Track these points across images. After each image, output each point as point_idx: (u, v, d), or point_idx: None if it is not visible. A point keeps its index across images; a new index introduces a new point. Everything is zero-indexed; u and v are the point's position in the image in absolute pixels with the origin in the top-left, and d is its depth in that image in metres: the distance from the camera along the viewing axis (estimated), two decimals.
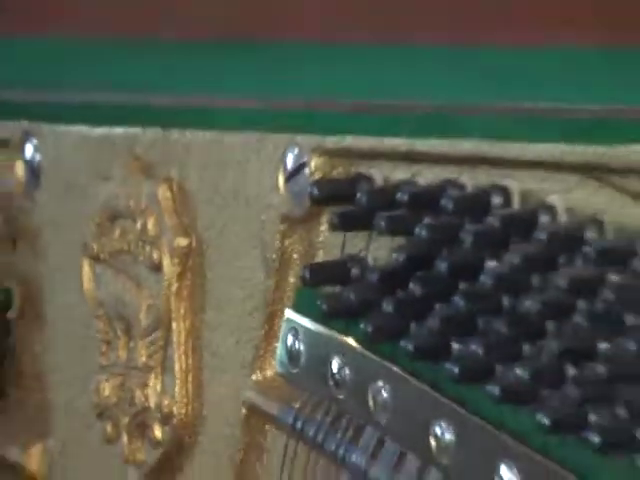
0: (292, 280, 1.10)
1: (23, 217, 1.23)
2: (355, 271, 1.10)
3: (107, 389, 1.16)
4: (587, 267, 1.00)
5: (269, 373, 1.09)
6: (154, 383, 1.15)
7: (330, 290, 1.14)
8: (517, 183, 1.07)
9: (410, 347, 1.10)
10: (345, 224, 1.14)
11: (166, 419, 1.13)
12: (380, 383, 1.13)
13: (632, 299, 1.00)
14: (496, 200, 1.02)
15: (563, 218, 1.01)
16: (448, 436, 1.12)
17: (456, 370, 1.07)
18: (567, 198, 1.03)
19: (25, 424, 1.31)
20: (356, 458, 1.12)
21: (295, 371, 1.09)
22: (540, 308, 1.02)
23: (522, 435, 1.15)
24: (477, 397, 1.07)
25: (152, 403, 1.14)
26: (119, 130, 1.20)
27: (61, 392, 1.23)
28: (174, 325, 1.13)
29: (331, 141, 1.20)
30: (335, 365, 1.09)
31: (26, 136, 1.22)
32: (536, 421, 1.10)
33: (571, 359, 1.10)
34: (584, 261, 1.00)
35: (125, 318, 1.17)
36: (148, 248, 1.15)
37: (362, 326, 1.13)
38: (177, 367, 1.14)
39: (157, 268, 1.15)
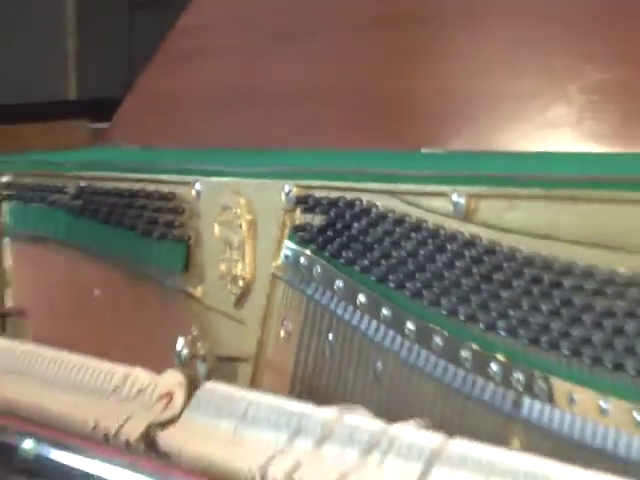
0: (287, 232, 1.06)
1: (195, 211, 1.15)
2: (309, 227, 1.03)
3: (223, 268, 1.13)
4: (402, 233, 0.94)
5: (279, 263, 1.05)
6: (240, 266, 1.13)
7: (300, 233, 1.05)
8: (380, 201, 0.95)
9: (328, 254, 0.99)
10: (306, 212, 1.07)
11: (244, 279, 1.11)
12: (318, 265, 0.99)
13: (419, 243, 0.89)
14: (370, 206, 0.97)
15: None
16: (341, 284, 0.95)
17: (342, 260, 1.02)
18: (386, 202, 0.92)
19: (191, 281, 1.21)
20: (309, 291, 1.01)
21: (287, 262, 1.05)
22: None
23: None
24: (351, 272, 0.98)
25: (239, 273, 1.12)
26: (225, 179, 1.15)
27: (209, 271, 1.14)
28: (246, 247, 1.11)
29: (302, 182, 1.06)
30: (302, 260, 1.02)
31: (195, 181, 1.15)
32: None
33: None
34: (392, 226, 0.93)
35: (230, 245, 1.14)
36: (237, 220, 1.12)
37: (311, 246, 1.01)
38: (247, 260, 1.11)
39: (240, 227, 1.12)
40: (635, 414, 0.69)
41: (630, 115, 0.97)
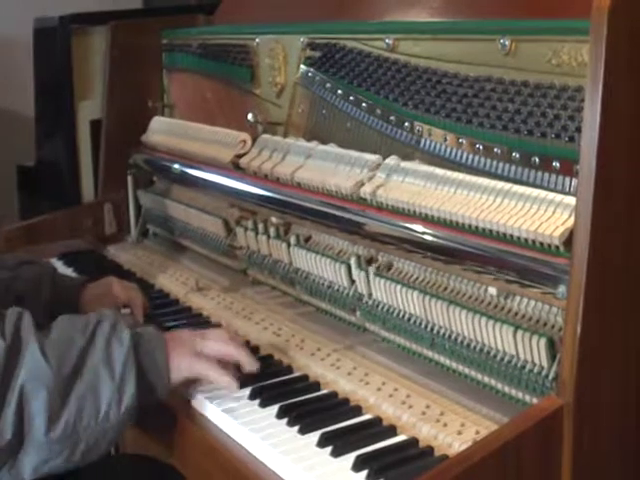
0: (302, 60, 1.11)
1: (256, 51, 1.20)
2: (312, 58, 1.09)
3: (270, 79, 1.16)
4: None
5: (298, 75, 1.11)
6: (278, 78, 1.15)
7: (308, 61, 1.10)
8: (348, 43, 1.02)
9: (322, 71, 1.06)
10: (311, 50, 1.09)
11: (280, 84, 1.16)
12: (317, 77, 1.07)
13: None
14: None
15: None
16: (328, 85, 1.08)
17: (329, 73, 1.07)
18: (351, 44, 1.00)
19: None
20: (313, 89, 1.09)
21: (302, 75, 1.11)
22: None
23: None
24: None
25: (278, 81, 1.16)
26: (271, 35, 1.17)
27: (263, 81, 1.22)
28: (281, 68, 1.15)
29: (309, 36, 1.06)
30: (309, 74, 1.09)
31: (256, 37, 1.20)
32: None
33: None
34: None
35: (273, 67, 1.16)
36: (277, 55, 1.15)
37: (313, 67, 1.06)
38: (282, 75, 1.15)
39: (279, 59, 1.15)
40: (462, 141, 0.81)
41: None
